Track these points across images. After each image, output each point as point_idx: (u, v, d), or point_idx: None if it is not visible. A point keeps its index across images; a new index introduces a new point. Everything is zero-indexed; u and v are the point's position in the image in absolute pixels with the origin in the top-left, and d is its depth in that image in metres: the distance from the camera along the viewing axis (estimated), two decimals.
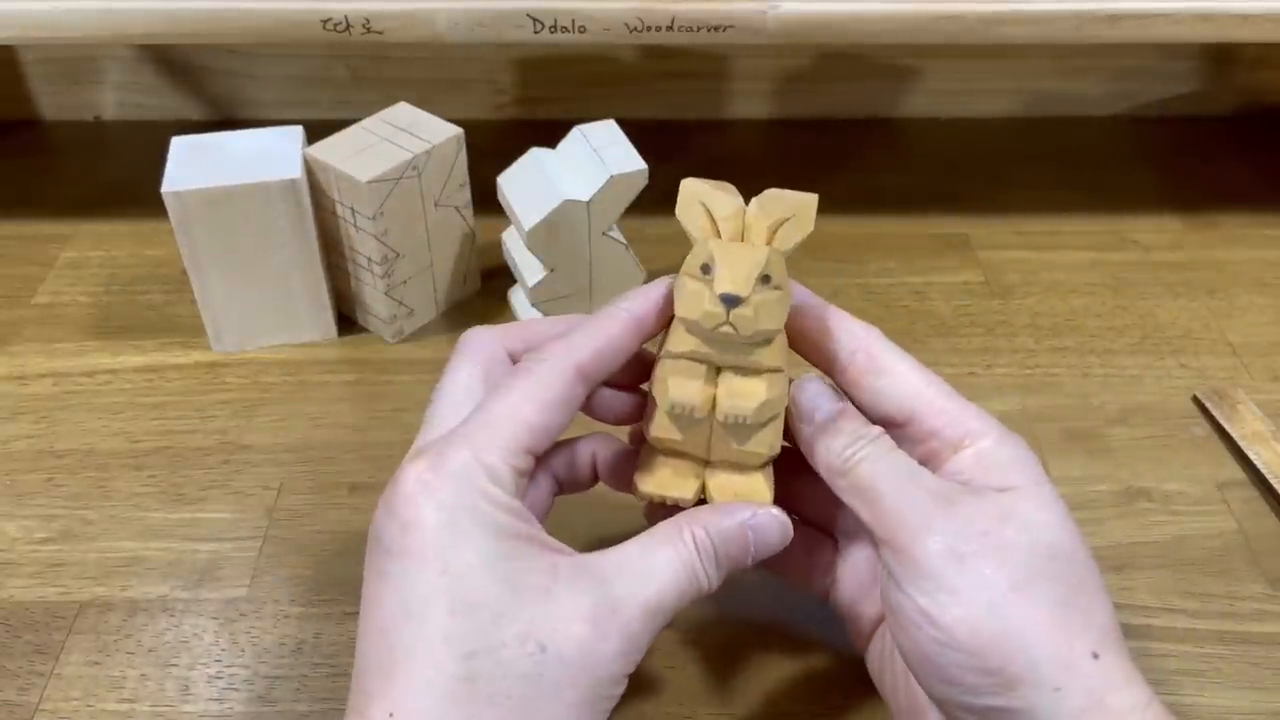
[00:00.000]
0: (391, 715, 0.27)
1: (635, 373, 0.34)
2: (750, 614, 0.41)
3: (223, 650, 0.39)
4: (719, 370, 0.32)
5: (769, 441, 0.33)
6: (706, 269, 0.30)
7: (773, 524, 0.32)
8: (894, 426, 0.33)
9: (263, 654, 0.39)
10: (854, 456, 0.32)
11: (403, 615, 0.28)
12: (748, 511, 0.32)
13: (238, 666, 0.39)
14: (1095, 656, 0.28)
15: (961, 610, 0.29)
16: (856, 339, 0.34)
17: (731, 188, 0.32)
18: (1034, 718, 0.28)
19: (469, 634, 0.27)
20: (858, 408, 0.34)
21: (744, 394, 0.31)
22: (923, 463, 0.33)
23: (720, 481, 0.33)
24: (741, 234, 0.31)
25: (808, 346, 0.34)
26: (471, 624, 0.27)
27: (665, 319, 0.33)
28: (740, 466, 0.33)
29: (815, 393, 0.33)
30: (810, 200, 0.32)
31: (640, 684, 0.38)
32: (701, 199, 0.31)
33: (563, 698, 0.27)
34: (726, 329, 0.30)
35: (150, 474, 0.46)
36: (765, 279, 0.30)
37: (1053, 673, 0.28)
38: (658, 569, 0.30)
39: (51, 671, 0.39)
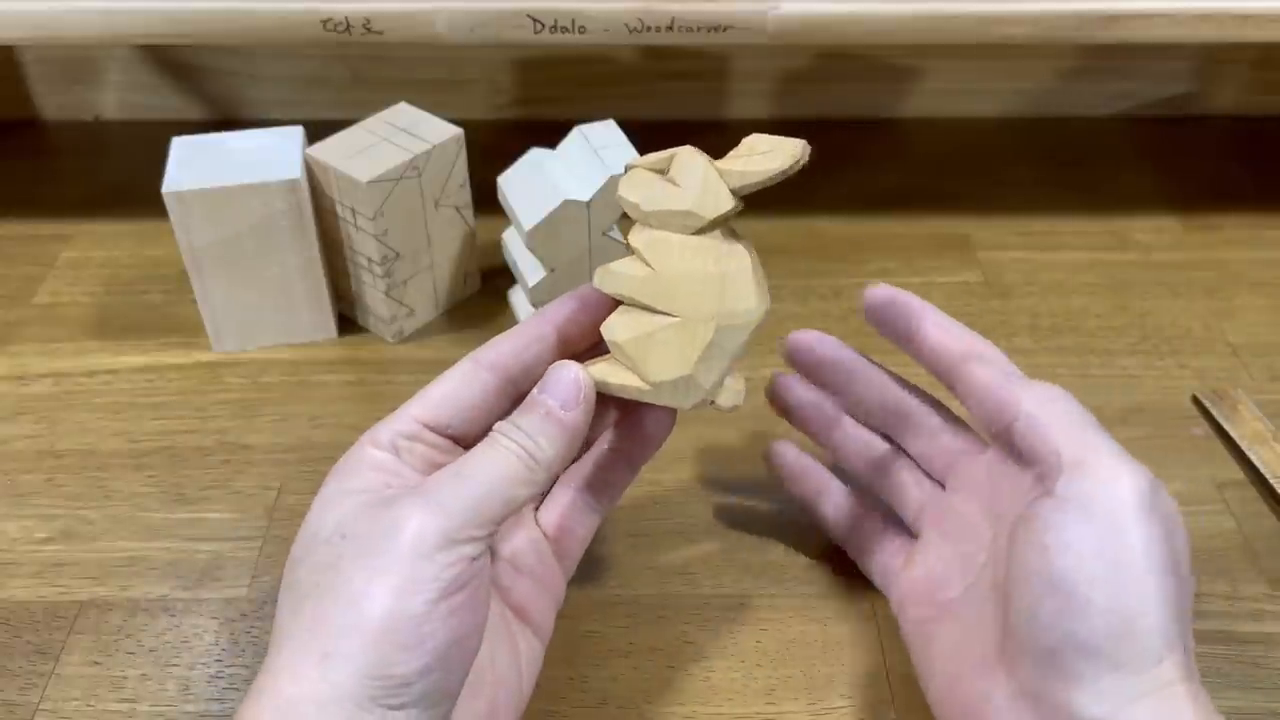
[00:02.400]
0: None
1: None
2: (748, 615, 0.41)
3: (223, 650, 0.39)
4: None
5: (610, 325, 0.33)
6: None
7: (560, 376, 0.32)
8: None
9: (262, 654, 0.39)
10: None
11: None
12: (538, 385, 0.33)
13: (238, 666, 0.39)
14: (1185, 650, 0.30)
15: (1130, 554, 0.30)
16: (1013, 405, 0.34)
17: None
18: (1123, 673, 0.29)
19: (298, 550, 0.31)
20: (967, 405, 0.36)
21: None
22: (1037, 480, 0.34)
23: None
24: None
25: (931, 358, 0.37)
26: (301, 544, 0.31)
27: (579, 313, 0.34)
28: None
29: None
30: (788, 143, 0.32)
31: (640, 683, 0.38)
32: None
33: (356, 570, 0.28)
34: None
35: (150, 474, 0.46)
36: (661, 172, 0.33)
37: (1159, 646, 0.29)
38: (469, 454, 0.31)
39: (52, 671, 0.39)
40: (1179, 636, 0.30)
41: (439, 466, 0.33)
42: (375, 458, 0.32)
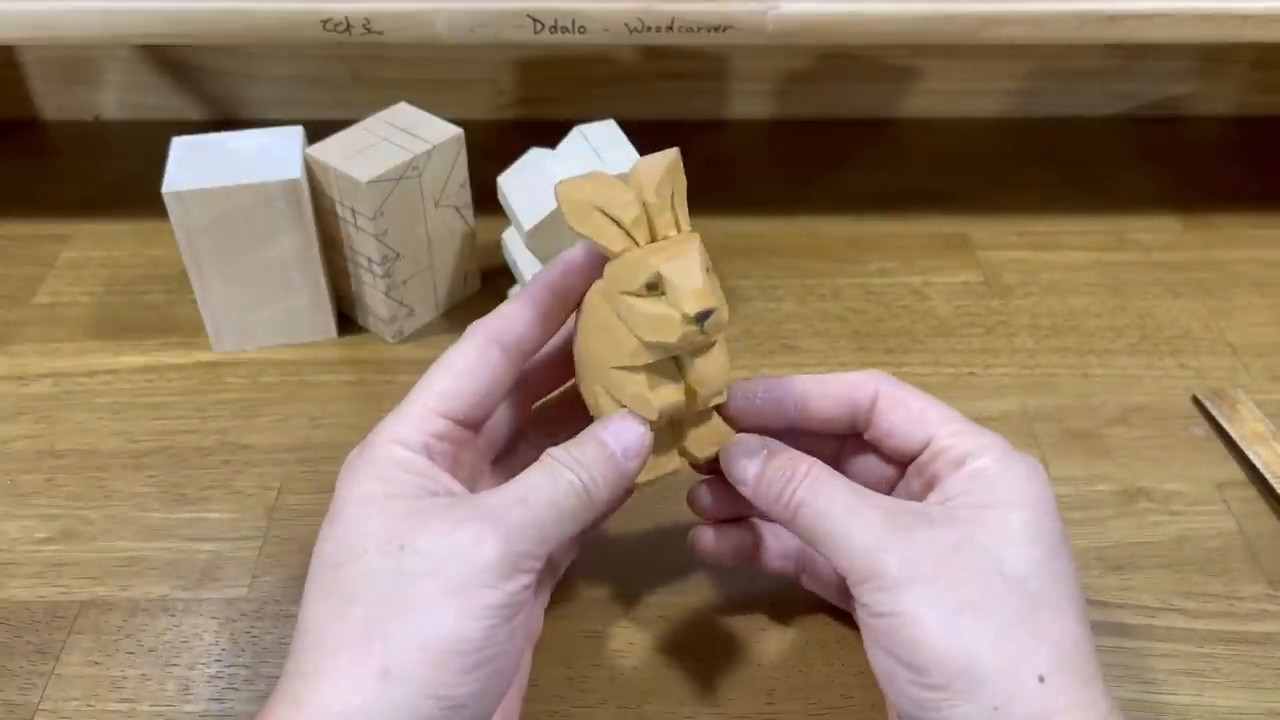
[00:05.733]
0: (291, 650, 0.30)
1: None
2: (747, 615, 0.41)
3: (223, 650, 0.39)
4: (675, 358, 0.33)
5: (722, 386, 0.34)
6: (654, 286, 0.30)
7: (628, 425, 0.32)
8: (912, 456, 0.34)
9: (263, 654, 0.39)
10: (792, 502, 0.32)
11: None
12: (601, 425, 0.33)
13: (238, 666, 0.39)
14: (1041, 680, 0.28)
15: (911, 630, 0.29)
16: (869, 386, 0.35)
17: (606, 176, 0.31)
18: None
19: (340, 552, 0.30)
20: (882, 450, 0.35)
21: (713, 373, 0.33)
22: (926, 485, 0.33)
23: (695, 439, 0.35)
24: (650, 227, 0.31)
25: (831, 419, 0.35)
26: (343, 545, 0.30)
27: (578, 278, 0.34)
28: (699, 415, 0.34)
29: (740, 453, 0.34)
30: (674, 155, 0.31)
31: (640, 683, 0.38)
32: (595, 204, 0.31)
33: (422, 587, 0.28)
34: (700, 337, 0.30)
35: (150, 474, 0.46)
36: (707, 270, 0.30)
37: (994, 693, 0.28)
38: (527, 478, 0.31)
39: (52, 671, 0.39)
40: (1021, 660, 0.28)
41: (459, 461, 0.33)
42: (406, 459, 0.31)
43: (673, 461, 0.35)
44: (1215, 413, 0.49)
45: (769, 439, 0.34)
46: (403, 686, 0.27)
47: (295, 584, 0.41)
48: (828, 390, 0.35)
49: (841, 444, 0.37)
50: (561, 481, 0.31)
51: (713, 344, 0.33)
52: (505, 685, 0.30)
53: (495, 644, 0.28)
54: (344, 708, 0.27)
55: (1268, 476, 0.45)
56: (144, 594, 0.41)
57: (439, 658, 0.27)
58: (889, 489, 0.36)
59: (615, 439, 0.32)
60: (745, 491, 0.34)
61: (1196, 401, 0.50)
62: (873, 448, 0.36)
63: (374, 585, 0.29)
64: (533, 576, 0.30)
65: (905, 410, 0.34)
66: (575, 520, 0.31)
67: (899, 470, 0.36)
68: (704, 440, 0.35)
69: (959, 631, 0.29)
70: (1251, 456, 0.46)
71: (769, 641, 0.40)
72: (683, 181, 0.32)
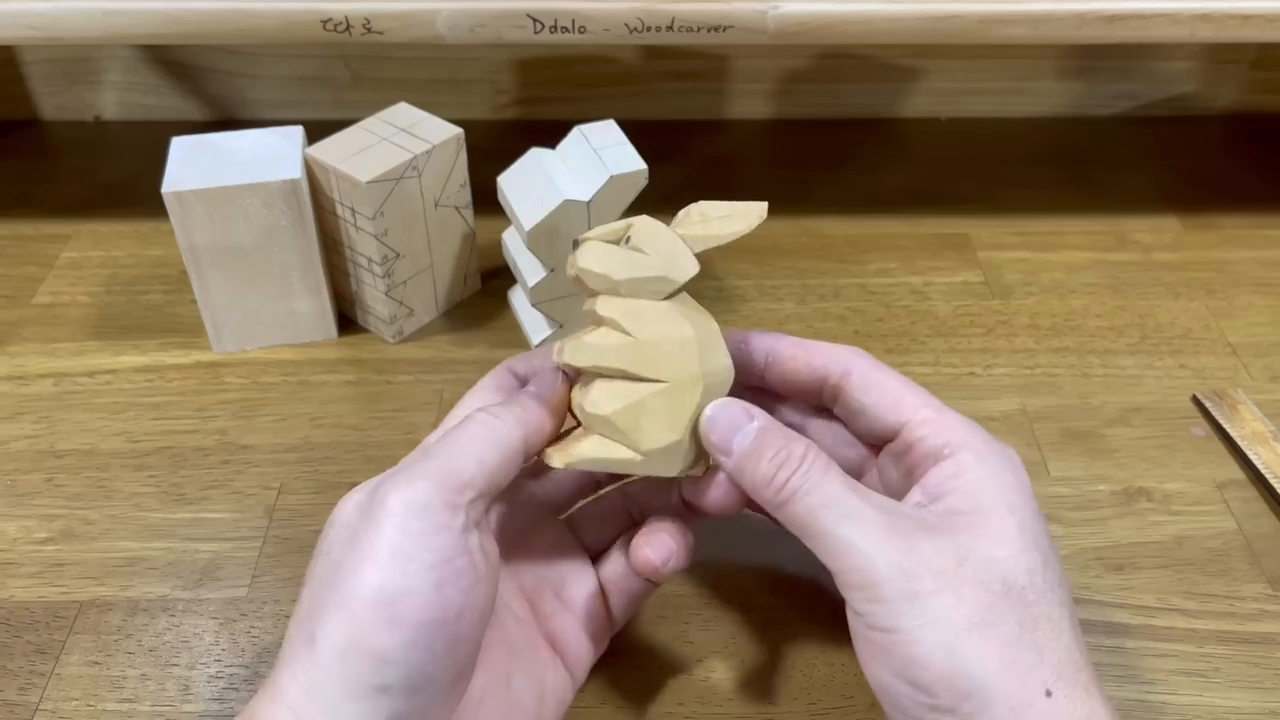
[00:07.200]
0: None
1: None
2: (747, 616, 0.41)
3: (223, 650, 0.39)
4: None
5: (594, 399, 0.32)
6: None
7: (544, 378, 0.33)
8: (885, 440, 0.34)
9: (263, 654, 0.39)
10: (785, 489, 0.31)
11: None
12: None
13: (238, 666, 0.39)
14: (1048, 694, 0.28)
15: (916, 649, 0.29)
16: (842, 362, 0.34)
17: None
18: None
19: (321, 543, 0.30)
20: (851, 427, 0.35)
21: (590, 341, 0.32)
22: (905, 475, 0.33)
23: (603, 389, 0.33)
24: None
25: (798, 384, 0.35)
26: (323, 538, 0.30)
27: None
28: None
29: (726, 422, 0.32)
30: (752, 207, 0.33)
31: (640, 683, 0.38)
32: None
33: (352, 549, 0.28)
34: (574, 271, 0.33)
35: (150, 474, 0.46)
36: (626, 240, 0.33)
37: (1004, 713, 0.28)
38: (459, 432, 0.31)
39: (52, 671, 0.39)
40: (1028, 676, 0.28)
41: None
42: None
43: (619, 451, 0.33)
44: (1215, 413, 0.49)
45: (754, 407, 0.32)
46: (326, 649, 0.27)
47: (295, 584, 0.41)
48: (799, 353, 0.35)
49: (805, 417, 0.37)
50: (467, 423, 0.31)
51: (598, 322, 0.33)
52: (450, 647, 0.28)
53: (421, 593, 0.27)
54: (285, 683, 0.28)
55: (1268, 476, 0.45)
56: (144, 594, 0.41)
57: (358, 613, 0.27)
58: (857, 469, 0.36)
59: (534, 383, 0.33)
60: (727, 464, 0.32)
61: (1196, 401, 0.50)
62: (841, 424, 0.36)
63: (318, 568, 0.30)
64: (457, 517, 0.29)
65: (880, 392, 0.34)
66: (493, 445, 0.30)
67: (871, 451, 0.35)
68: (604, 398, 0.32)
69: (966, 652, 0.28)
70: (1251, 456, 0.46)
71: (769, 642, 0.40)
72: (737, 222, 0.33)
